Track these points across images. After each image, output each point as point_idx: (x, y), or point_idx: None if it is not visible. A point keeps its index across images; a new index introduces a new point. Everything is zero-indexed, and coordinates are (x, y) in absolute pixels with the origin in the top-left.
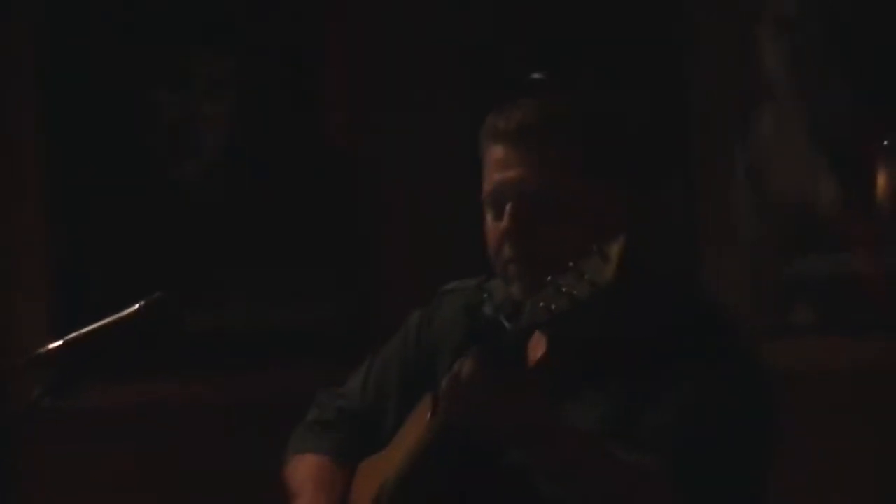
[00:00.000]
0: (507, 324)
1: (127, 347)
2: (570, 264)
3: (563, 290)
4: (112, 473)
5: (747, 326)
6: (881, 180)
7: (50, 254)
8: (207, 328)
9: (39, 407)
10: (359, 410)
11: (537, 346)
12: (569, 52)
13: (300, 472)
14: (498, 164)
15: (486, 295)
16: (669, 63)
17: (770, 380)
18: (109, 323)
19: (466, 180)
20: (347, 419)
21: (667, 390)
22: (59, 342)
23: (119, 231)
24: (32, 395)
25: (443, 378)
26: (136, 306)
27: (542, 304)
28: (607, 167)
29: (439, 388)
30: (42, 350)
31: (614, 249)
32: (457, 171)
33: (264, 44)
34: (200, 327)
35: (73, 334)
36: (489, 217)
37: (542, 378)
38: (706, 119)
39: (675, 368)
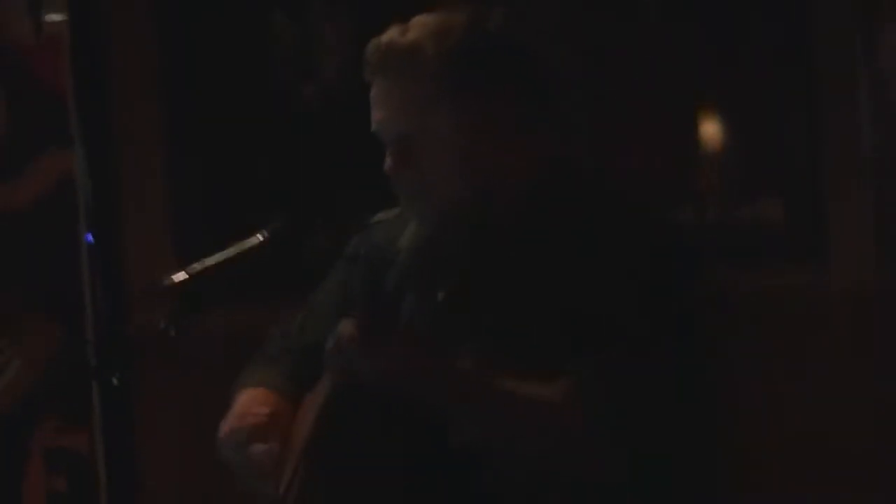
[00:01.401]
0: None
1: (248, 276)
2: None
3: None
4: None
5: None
6: None
7: (171, 179)
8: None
9: (165, 336)
10: (301, 346)
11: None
12: None
13: (246, 405)
14: (374, 101)
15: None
16: None
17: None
18: (232, 253)
19: None
20: (291, 354)
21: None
22: (184, 273)
23: (240, 155)
24: (157, 324)
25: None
26: (258, 235)
27: None
28: (481, 86)
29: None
30: (167, 280)
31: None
32: None
33: None
34: (321, 254)
35: (197, 265)
36: (386, 154)
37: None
38: (828, 35)
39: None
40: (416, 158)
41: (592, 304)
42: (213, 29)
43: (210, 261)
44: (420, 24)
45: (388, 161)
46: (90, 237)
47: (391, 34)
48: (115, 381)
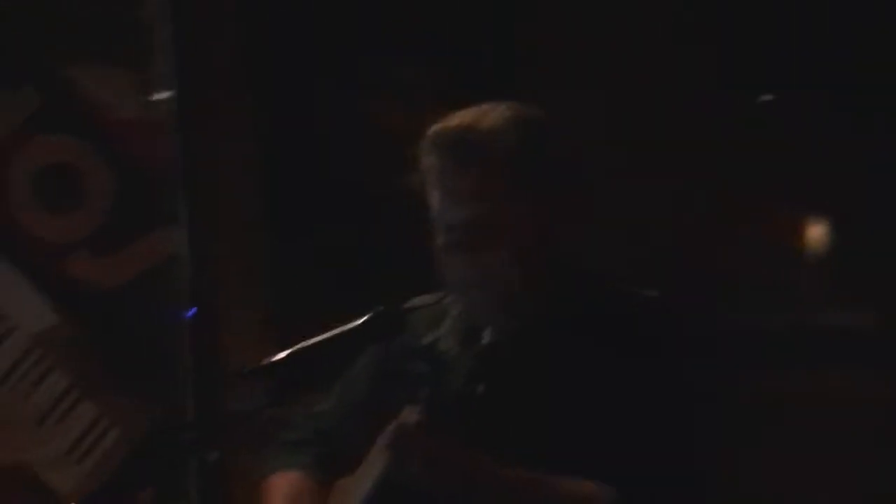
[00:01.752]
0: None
1: (347, 360)
2: None
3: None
4: None
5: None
6: None
7: (271, 261)
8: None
9: (261, 417)
10: (332, 430)
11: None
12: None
13: (276, 489)
14: (441, 181)
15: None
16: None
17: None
18: (333, 336)
19: None
20: (321, 438)
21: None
22: (283, 354)
23: (341, 239)
24: (254, 404)
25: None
26: (362, 320)
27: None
28: (550, 185)
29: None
30: (266, 361)
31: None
32: None
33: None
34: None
35: (297, 347)
36: (439, 235)
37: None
38: None
39: (621, 394)
40: (485, 238)
41: (625, 420)
42: (314, 112)
43: (310, 342)
44: (496, 114)
45: (450, 243)
46: (192, 313)
47: (463, 119)
48: (212, 457)
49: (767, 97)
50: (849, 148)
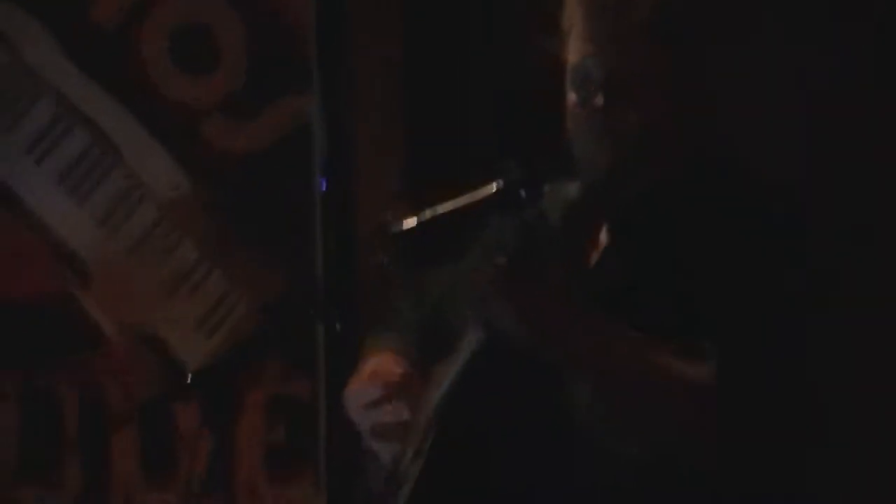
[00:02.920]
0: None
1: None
2: None
3: None
4: None
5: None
6: None
7: (407, 127)
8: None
9: (387, 273)
10: (437, 311)
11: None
12: None
13: (372, 365)
14: (588, 37)
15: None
16: None
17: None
18: (464, 202)
19: None
20: (425, 320)
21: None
22: (414, 220)
23: (477, 108)
24: (380, 261)
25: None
26: (494, 186)
27: None
28: (696, 48)
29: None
30: (396, 226)
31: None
32: None
33: None
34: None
35: (428, 213)
36: (573, 95)
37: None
38: None
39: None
40: (628, 94)
41: (733, 285)
42: None
43: (442, 208)
44: None
45: (599, 98)
46: (324, 182)
47: None
48: (337, 326)
49: None
50: None
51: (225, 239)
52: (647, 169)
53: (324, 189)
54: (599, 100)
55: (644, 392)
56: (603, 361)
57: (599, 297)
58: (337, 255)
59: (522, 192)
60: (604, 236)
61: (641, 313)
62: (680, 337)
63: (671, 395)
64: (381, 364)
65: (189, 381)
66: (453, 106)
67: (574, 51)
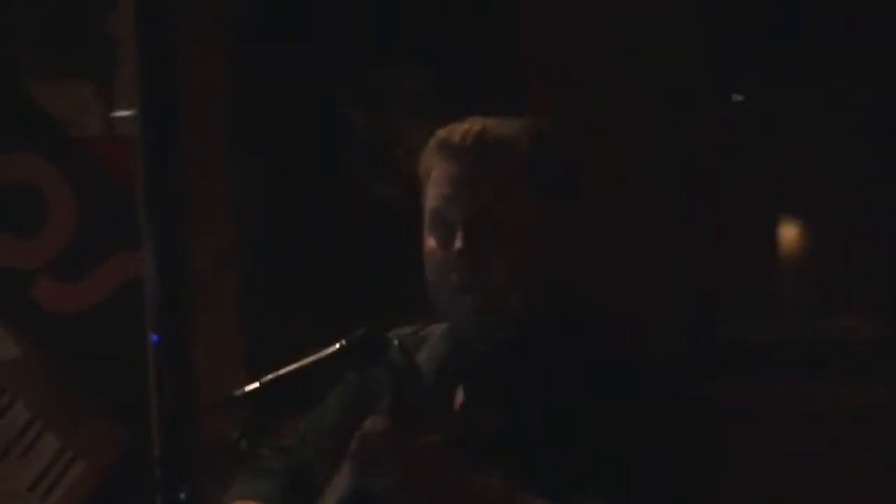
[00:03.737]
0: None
1: (327, 386)
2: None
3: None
4: None
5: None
6: None
7: (243, 278)
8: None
9: (237, 449)
10: (297, 463)
11: (455, 396)
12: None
13: None
14: (448, 181)
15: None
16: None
17: (704, 423)
18: (310, 362)
19: None
20: (286, 469)
21: (593, 432)
22: (258, 383)
23: (315, 258)
24: (229, 436)
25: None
26: (338, 344)
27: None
28: (558, 193)
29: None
30: (240, 391)
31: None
32: None
33: (459, 58)
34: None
35: (272, 375)
36: (433, 238)
37: (454, 431)
38: None
39: (603, 409)
40: (490, 240)
41: (604, 438)
42: (288, 128)
43: (286, 370)
44: (509, 122)
45: (458, 241)
46: (156, 338)
47: (480, 123)
48: (182, 496)
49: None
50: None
51: (58, 400)
52: (513, 313)
53: (157, 346)
54: (459, 243)
55: None
56: None
57: (477, 451)
58: (175, 413)
59: (367, 346)
60: (473, 387)
61: (521, 466)
62: (566, 484)
63: None
64: None
65: None
66: (290, 252)
67: (433, 196)
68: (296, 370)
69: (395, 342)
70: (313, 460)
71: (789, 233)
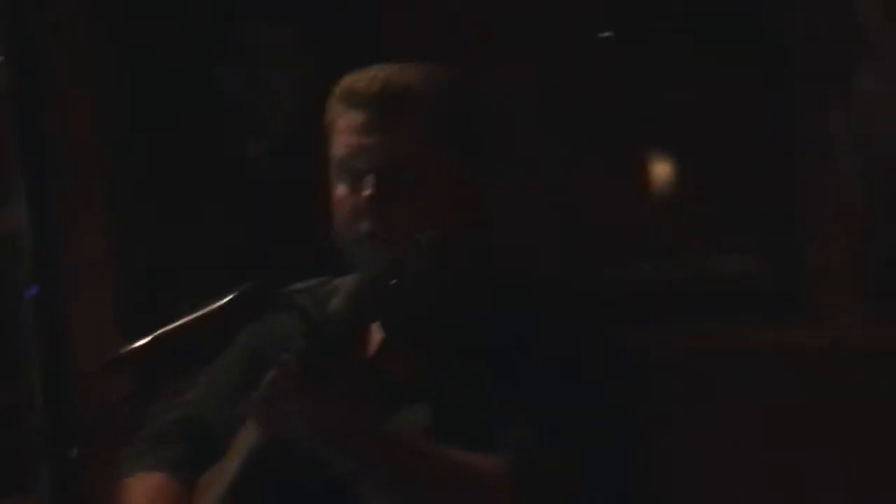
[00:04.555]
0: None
1: (216, 344)
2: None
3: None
4: None
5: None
6: None
7: (117, 242)
8: None
9: (124, 409)
10: (198, 422)
11: (370, 340)
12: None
13: (134, 496)
14: (355, 130)
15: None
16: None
17: (623, 367)
18: (199, 317)
19: None
20: (185, 430)
21: (508, 381)
22: (144, 340)
23: (189, 216)
24: (115, 398)
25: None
26: (228, 298)
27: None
28: (465, 140)
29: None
30: (125, 349)
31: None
32: None
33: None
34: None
35: (159, 331)
36: (341, 187)
37: (368, 376)
38: (805, 78)
39: (518, 353)
40: (399, 189)
41: (518, 377)
42: (157, 83)
43: (175, 324)
44: (413, 68)
45: (367, 188)
46: (34, 291)
47: (384, 71)
48: (73, 455)
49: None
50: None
51: None
52: (421, 262)
53: (34, 301)
54: (368, 190)
55: (440, 493)
56: (395, 467)
57: (393, 395)
58: (57, 377)
59: (260, 302)
60: (382, 332)
61: (433, 408)
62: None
63: (468, 491)
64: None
65: None
66: (164, 210)
67: (339, 145)
68: (184, 325)
69: (300, 286)
70: (215, 419)
71: (663, 172)
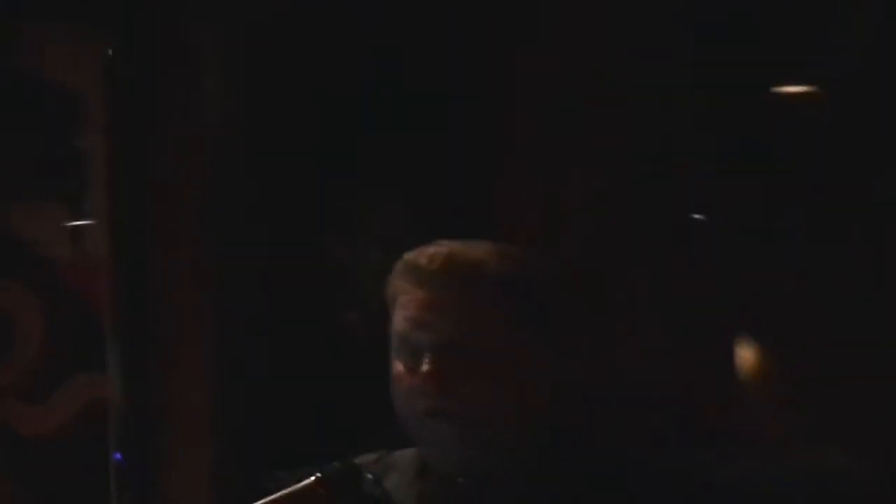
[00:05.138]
0: None
1: None
2: None
3: None
4: None
5: None
6: None
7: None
8: None
9: None
10: None
11: None
12: None
13: None
14: (416, 306)
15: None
16: None
17: None
18: (285, 495)
19: None
20: None
21: None
22: None
23: (288, 388)
24: None
25: None
26: (313, 478)
27: None
28: (530, 318)
29: None
30: None
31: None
32: None
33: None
34: None
35: None
36: (399, 365)
37: None
38: None
39: None
40: (462, 368)
41: None
42: (260, 251)
43: (261, 502)
44: (476, 244)
45: (428, 367)
46: (119, 457)
47: (448, 246)
48: None
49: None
50: None
51: None
52: (493, 445)
53: (120, 467)
54: (426, 366)
55: None
56: None
57: None
58: None
59: (342, 479)
60: None
61: None
62: None
63: None
64: None
65: None
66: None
67: (399, 320)
68: (271, 502)
69: (370, 476)
70: None
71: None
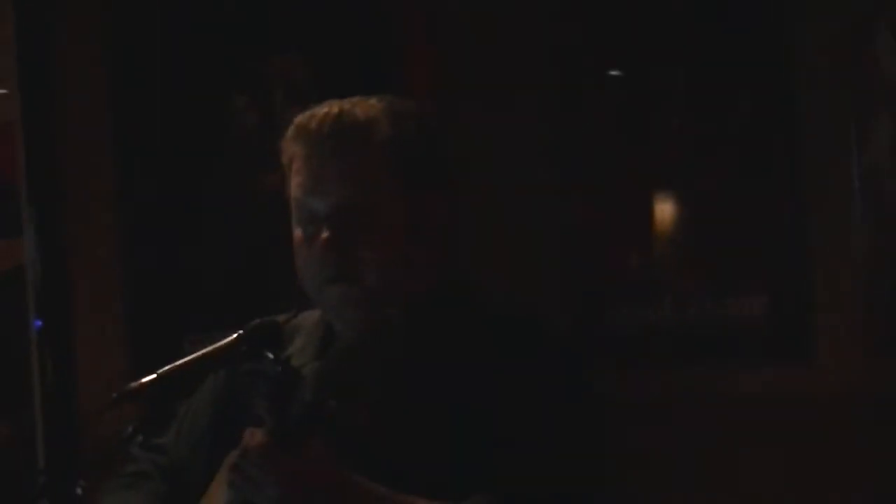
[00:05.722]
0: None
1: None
2: None
3: None
4: None
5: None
6: None
7: (128, 272)
8: None
9: (132, 443)
10: (172, 464)
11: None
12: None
13: None
14: (308, 171)
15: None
16: (779, 67)
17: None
18: (205, 354)
19: None
20: (160, 472)
21: (479, 425)
22: (152, 376)
23: (197, 247)
24: (123, 432)
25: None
26: (234, 335)
27: None
28: (423, 177)
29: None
30: (134, 384)
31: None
32: None
33: (342, 47)
34: None
35: (167, 367)
36: (299, 231)
37: (337, 431)
38: (818, 127)
39: (496, 385)
40: (359, 232)
41: (491, 427)
42: (171, 115)
43: (182, 361)
44: (369, 104)
45: (313, 233)
46: (39, 323)
47: (338, 107)
48: (79, 491)
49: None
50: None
51: None
52: (385, 304)
53: (40, 331)
54: (324, 233)
55: None
56: None
57: (355, 452)
58: (62, 405)
59: (265, 335)
60: (346, 386)
61: (400, 465)
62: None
63: None
64: None
65: None
66: (175, 242)
67: (295, 186)
68: (193, 361)
69: (269, 355)
70: (188, 458)
71: (668, 216)
